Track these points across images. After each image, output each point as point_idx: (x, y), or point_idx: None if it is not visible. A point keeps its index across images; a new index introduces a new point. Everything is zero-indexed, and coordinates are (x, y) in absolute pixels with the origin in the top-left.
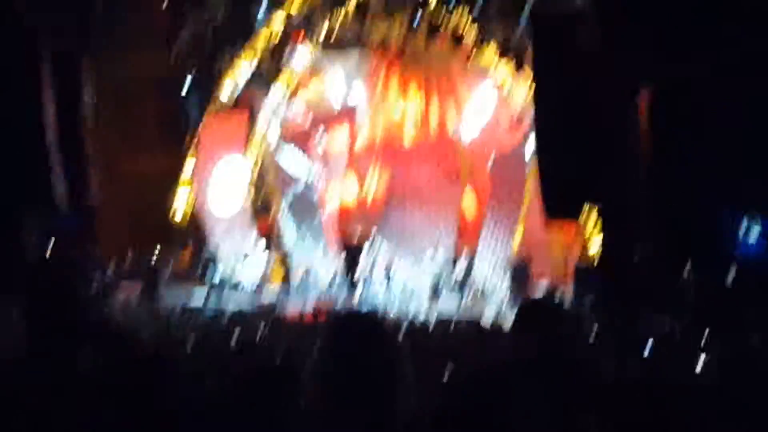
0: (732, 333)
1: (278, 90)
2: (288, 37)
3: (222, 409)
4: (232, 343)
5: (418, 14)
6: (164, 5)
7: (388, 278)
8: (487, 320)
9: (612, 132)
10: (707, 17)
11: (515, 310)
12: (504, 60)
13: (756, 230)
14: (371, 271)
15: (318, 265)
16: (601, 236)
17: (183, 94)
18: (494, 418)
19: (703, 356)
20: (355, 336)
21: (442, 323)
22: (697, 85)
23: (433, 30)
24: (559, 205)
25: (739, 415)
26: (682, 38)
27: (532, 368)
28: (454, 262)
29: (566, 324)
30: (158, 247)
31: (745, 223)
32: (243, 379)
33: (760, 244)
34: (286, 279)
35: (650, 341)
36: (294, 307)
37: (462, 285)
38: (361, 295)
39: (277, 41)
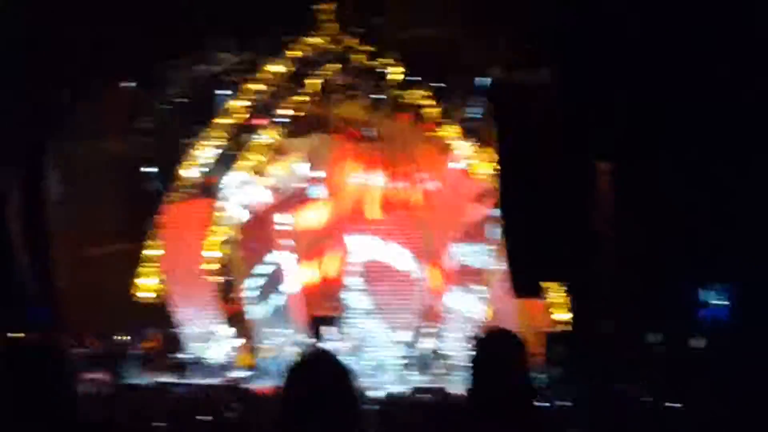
0: (698, 397)
1: (241, 174)
2: (249, 121)
3: None
4: (203, 416)
5: (380, 95)
6: (127, 93)
7: (357, 353)
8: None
9: (576, 208)
10: (668, 96)
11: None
12: (467, 137)
13: (716, 299)
14: (338, 347)
15: (286, 345)
16: (567, 313)
17: (146, 179)
18: None
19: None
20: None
21: (412, 396)
22: (659, 162)
23: (394, 110)
24: (526, 284)
25: None
26: (644, 115)
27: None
28: (421, 336)
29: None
30: (125, 329)
31: (706, 293)
32: None
33: (721, 312)
34: (252, 364)
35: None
36: (263, 384)
37: (429, 361)
38: None
39: (238, 126)
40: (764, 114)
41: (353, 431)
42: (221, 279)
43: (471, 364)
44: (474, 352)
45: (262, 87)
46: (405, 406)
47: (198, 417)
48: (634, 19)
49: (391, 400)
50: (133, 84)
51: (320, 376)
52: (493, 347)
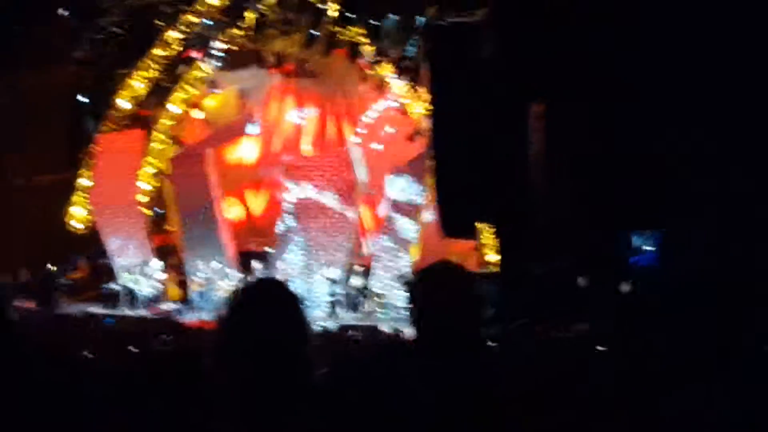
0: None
1: (174, 106)
2: (185, 54)
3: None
4: (131, 347)
5: (315, 31)
6: (61, 22)
7: None
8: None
9: (508, 149)
10: (602, 33)
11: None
12: (401, 76)
13: (646, 244)
14: None
15: (216, 278)
16: (497, 255)
17: (79, 108)
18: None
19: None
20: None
21: (340, 330)
22: (593, 101)
23: (330, 46)
24: (456, 224)
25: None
26: (578, 54)
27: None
28: (353, 273)
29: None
30: (54, 260)
31: (636, 238)
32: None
33: (649, 257)
34: (182, 297)
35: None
36: (192, 317)
37: (358, 297)
38: None
39: (173, 58)
40: (696, 57)
41: (299, 361)
42: (150, 212)
43: (415, 299)
44: (419, 287)
45: (198, 19)
46: (342, 342)
47: (127, 347)
48: None
49: (327, 335)
50: (69, 13)
51: (269, 301)
52: (439, 279)
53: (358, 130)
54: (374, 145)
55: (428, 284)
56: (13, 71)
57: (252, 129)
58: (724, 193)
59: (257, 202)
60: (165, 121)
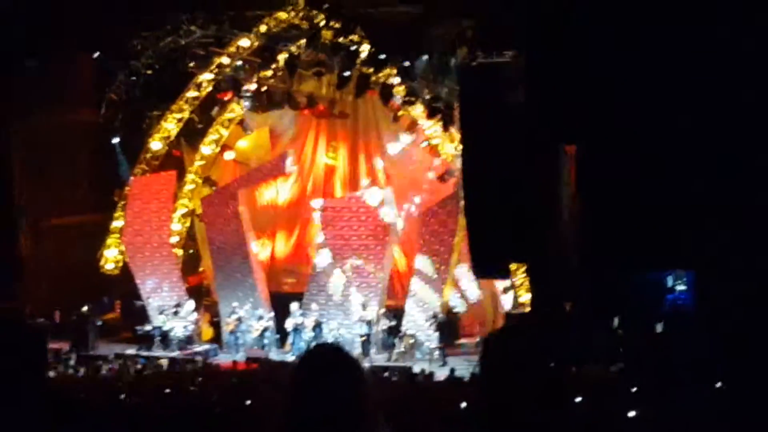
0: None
1: (207, 147)
2: (216, 95)
3: None
4: (166, 389)
5: (346, 72)
6: (93, 64)
7: (319, 330)
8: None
9: (539, 191)
10: (635, 80)
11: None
12: (432, 117)
13: (681, 285)
14: (301, 323)
15: (248, 318)
16: (528, 294)
17: (109, 149)
18: None
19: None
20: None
21: (375, 372)
22: (622, 144)
23: (362, 87)
24: (488, 265)
25: None
26: (608, 95)
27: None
28: (385, 315)
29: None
30: (88, 301)
31: (670, 279)
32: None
33: (684, 297)
34: (215, 337)
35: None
36: (226, 358)
37: (392, 337)
38: (291, 345)
39: (205, 100)
40: (726, 104)
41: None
42: (181, 252)
43: (483, 365)
44: (487, 353)
45: (230, 61)
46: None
47: (161, 389)
48: (602, 6)
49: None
50: (101, 55)
51: (328, 372)
52: (504, 347)
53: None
54: (405, 186)
55: (494, 352)
56: (41, 111)
57: (285, 169)
58: (754, 237)
59: (290, 243)
60: (197, 162)
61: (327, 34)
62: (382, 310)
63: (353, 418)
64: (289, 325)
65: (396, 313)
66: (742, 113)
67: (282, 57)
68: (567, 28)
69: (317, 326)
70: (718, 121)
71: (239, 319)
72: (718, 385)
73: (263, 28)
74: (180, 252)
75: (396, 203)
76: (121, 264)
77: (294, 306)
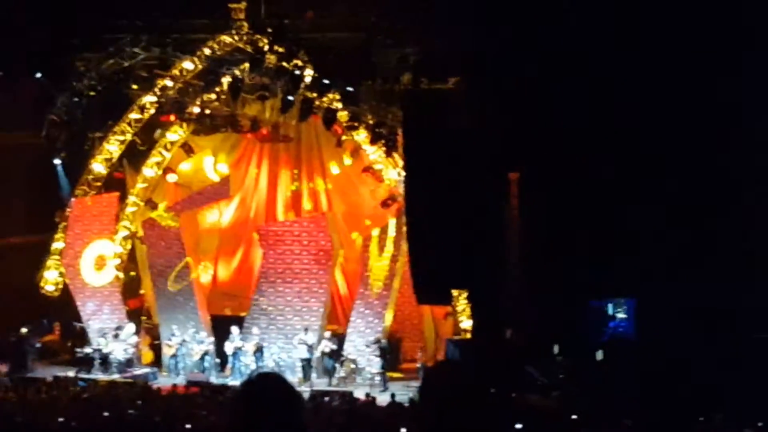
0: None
1: (149, 170)
2: (158, 118)
3: None
4: (105, 413)
5: (290, 96)
6: (34, 85)
7: (260, 354)
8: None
9: (482, 217)
10: (575, 106)
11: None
12: (376, 143)
13: (621, 312)
14: (242, 346)
15: (189, 342)
16: (469, 321)
17: (50, 171)
18: None
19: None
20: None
21: (315, 397)
22: (565, 171)
23: (305, 112)
24: (430, 291)
25: None
26: (550, 126)
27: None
28: (328, 339)
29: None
30: (26, 322)
31: (611, 307)
32: None
33: (625, 325)
34: (155, 360)
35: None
36: (166, 382)
37: (333, 361)
38: (232, 369)
39: (147, 122)
40: (663, 122)
41: None
42: (121, 274)
43: (420, 396)
44: (427, 384)
45: (173, 84)
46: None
47: (100, 413)
48: (545, 32)
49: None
50: (42, 76)
51: (269, 402)
52: (438, 381)
53: (331, 193)
54: (346, 211)
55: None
56: None
57: (227, 193)
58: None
59: (231, 267)
60: (140, 185)
61: (271, 58)
62: (327, 334)
63: None
64: (229, 348)
65: (338, 337)
66: (684, 141)
67: (226, 80)
68: (510, 55)
69: (258, 350)
70: (662, 148)
71: (181, 342)
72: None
73: (207, 51)
74: (121, 274)
75: (339, 228)
76: (61, 286)
77: (234, 330)
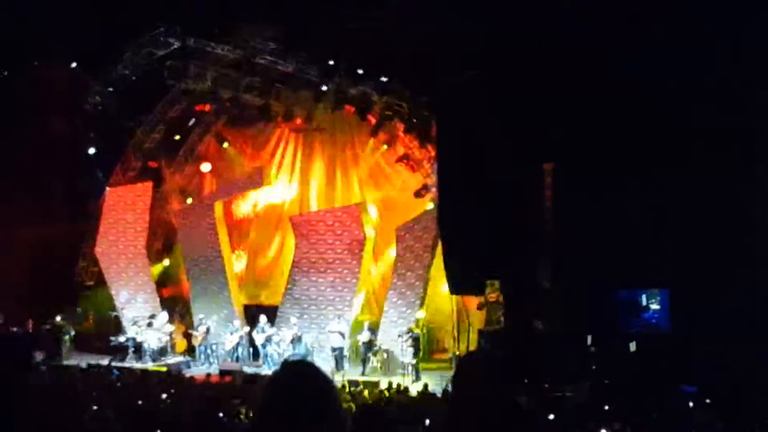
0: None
1: (182, 160)
2: (193, 108)
3: None
4: (138, 401)
5: (324, 87)
6: (69, 76)
7: (293, 343)
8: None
9: (515, 208)
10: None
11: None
12: (410, 133)
13: (655, 304)
14: (275, 335)
15: (222, 331)
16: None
17: (87, 163)
18: None
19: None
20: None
21: (348, 386)
22: (600, 163)
23: (339, 102)
24: (462, 282)
25: None
26: (585, 118)
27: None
28: (366, 329)
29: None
30: (62, 311)
31: (643, 298)
32: None
33: (657, 316)
34: (189, 349)
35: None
36: (199, 370)
37: (367, 352)
38: (264, 358)
39: (182, 111)
40: (700, 122)
41: None
42: (159, 264)
43: (453, 387)
44: (459, 373)
45: (207, 73)
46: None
47: (133, 401)
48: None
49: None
50: (77, 65)
51: (304, 393)
52: (470, 372)
53: (366, 186)
54: (381, 201)
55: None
56: (17, 121)
57: (261, 182)
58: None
59: (265, 256)
60: (174, 174)
61: (305, 48)
62: (366, 324)
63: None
64: (259, 338)
65: (371, 328)
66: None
67: (260, 70)
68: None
69: (295, 340)
70: (696, 138)
71: (207, 330)
72: (690, 405)
73: (241, 41)
74: (158, 265)
75: (372, 218)
76: (95, 276)
77: (262, 319)
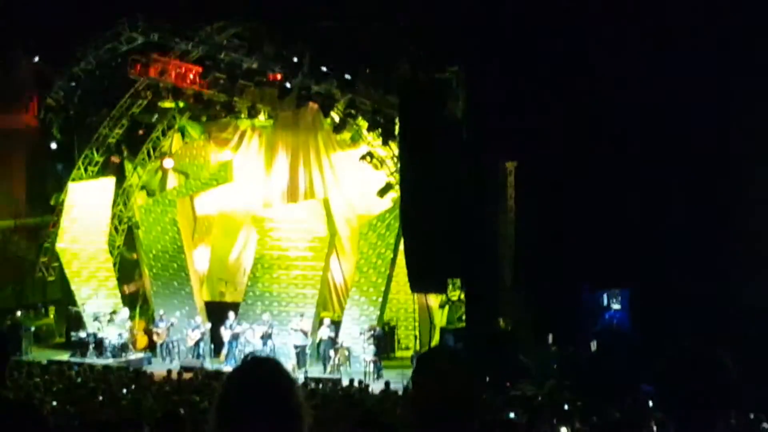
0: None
1: (145, 156)
2: (156, 103)
3: None
4: (99, 397)
5: (288, 83)
6: (33, 69)
7: (263, 339)
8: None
9: (477, 206)
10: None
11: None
12: (373, 130)
13: (615, 303)
14: (237, 332)
15: (184, 327)
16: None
17: (50, 156)
18: None
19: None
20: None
21: (309, 383)
22: (562, 162)
23: (303, 99)
24: (424, 280)
25: None
26: (547, 118)
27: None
28: (326, 326)
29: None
30: (22, 306)
31: (605, 298)
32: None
33: (618, 316)
34: (150, 345)
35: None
36: (160, 367)
37: (328, 349)
38: (227, 354)
39: (145, 107)
40: (662, 120)
41: None
42: (120, 258)
43: (413, 384)
44: (415, 373)
45: (170, 68)
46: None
47: (94, 397)
48: (542, 23)
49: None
50: (40, 59)
51: (262, 386)
52: (431, 369)
53: (329, 182)
54: (342, 198)
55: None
56: None
57: (224, 178)
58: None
59: (228, 253)
60: (136, 170)
61: (270, 45)
62: (327, 321)
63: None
64: (225, 334)
65: (335, 325)
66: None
67: (224, 66)
68: (509, 44)
69: (266, 337)
70: (660, 137)
71: (170, 326)
72: (650, 404)
73: (205, 37)
74: (119, 260)
75: (335, 215)
76: (57, 270)
77: (231, 315)
